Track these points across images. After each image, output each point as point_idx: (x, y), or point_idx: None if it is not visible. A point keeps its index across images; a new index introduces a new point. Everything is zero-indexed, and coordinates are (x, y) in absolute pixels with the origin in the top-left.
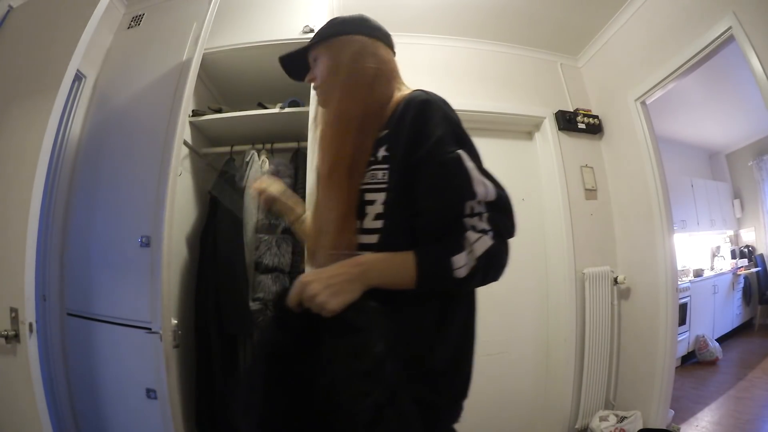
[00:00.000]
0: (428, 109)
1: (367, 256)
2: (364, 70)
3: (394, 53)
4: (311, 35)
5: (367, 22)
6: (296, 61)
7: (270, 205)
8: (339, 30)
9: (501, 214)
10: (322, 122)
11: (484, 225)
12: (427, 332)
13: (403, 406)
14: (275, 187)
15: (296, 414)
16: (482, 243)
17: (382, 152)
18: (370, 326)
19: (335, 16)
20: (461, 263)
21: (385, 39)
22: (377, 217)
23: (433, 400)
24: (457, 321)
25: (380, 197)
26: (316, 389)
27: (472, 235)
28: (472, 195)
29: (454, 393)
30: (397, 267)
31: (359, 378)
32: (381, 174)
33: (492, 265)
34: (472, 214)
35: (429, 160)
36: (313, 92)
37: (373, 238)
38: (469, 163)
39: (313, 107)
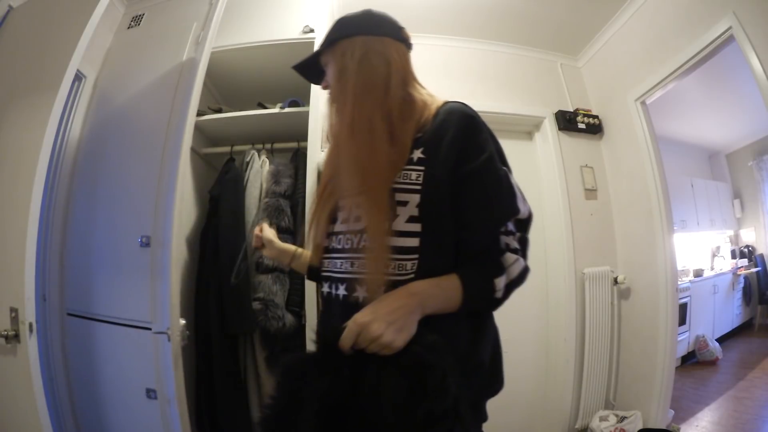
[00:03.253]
0: (476, 125)
1: (419, 285)
2: (370, 73)
3: (407, 46)
4: (311, 35)
5: (372, 18)
6: (312, 67)
7: (264, 245)
8: (343, 32)
9: (527, 233)
10: (338, 134)
11: (516, 245)
12: (464, 350)
13: None
14: (268, 231)
15: None
16: (517, 266)
17: (417, 154)
18: (441, 363)
19: (335, 16)
20: (501, 286)
21: (394, 33)
22: (411, 219)
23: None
24: (488, 333)
25: (414, 199)
26: None
27: (509, 257)
28: (516, 211)
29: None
30: (447, 293)
31: (440, 417)
32: (415, 175)
33: (517, 285)
34: (507, 232)
35: (482, 173)
36: (313, 93)
37: (413, 242)
38: (515, 181)
39: (313, 110)
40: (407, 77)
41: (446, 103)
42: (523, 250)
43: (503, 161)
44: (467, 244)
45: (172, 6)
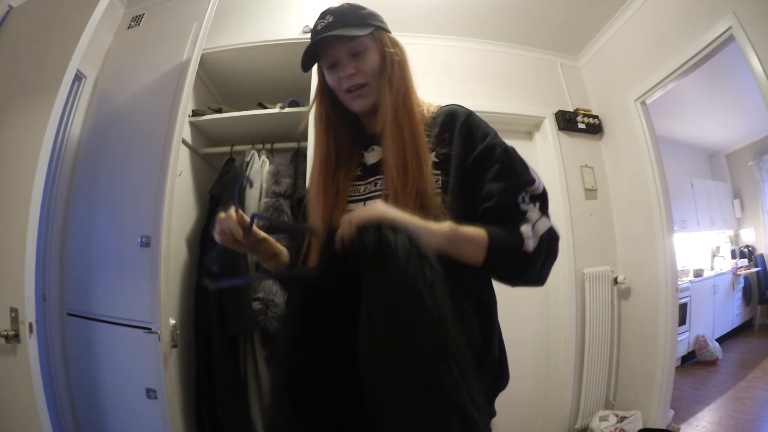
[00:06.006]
0: (475, 119)
1: (437, 228)
2: (409, 72)
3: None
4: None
5: (378, 16)
6: (325, 46)
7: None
8: (381, 23)
9: (547, 207)
10: (397, 122)
11: (537, 213)
12: (478, 344)
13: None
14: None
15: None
16: (543, 223)
17: (433, 158)
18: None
19: None
20: (529, 234)
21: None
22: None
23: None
24: (496, 329)
25: (440, 199)
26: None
27: (533, 215)
28: (531, 180)
29: (495, 392)
30: (470, 236)
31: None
32: (434, 179)
33: (552, 249)
34: (526, 201)
35: (491, 150)
36: (313, 93)
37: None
38: (521, 154)
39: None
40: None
41: (442, 107)
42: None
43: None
44: (487, 213)
45: (171, 6)
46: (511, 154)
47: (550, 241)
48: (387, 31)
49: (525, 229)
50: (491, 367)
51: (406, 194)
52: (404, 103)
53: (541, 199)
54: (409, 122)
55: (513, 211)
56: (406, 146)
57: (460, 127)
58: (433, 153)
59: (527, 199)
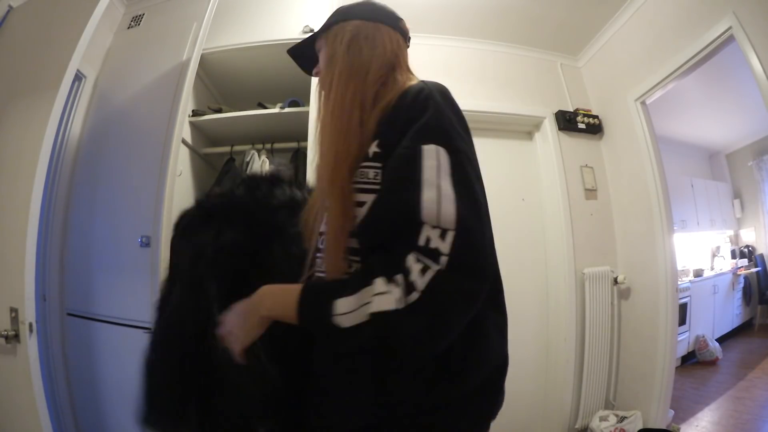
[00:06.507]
0: (420, 99)
1: (264, 290)
2: (357, 56)
3: (403, 36)
4: (311, 35)
5: (370, 5)
6: (306, 54)
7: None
8: (338, 17)
9: (456, 259)
10: (320, 120)
11: (418, 266)
12: (455, 372)
13: None
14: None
15: None
16: (385, 300)
17: (373, 148)
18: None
19: None
20: (345, 309)
21: (389, 20)
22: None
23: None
24: (486, 354)
25: (370, 199)
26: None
27: (378, 285)
28: (411, 209)
29: (482, 415)
30: (288, 298)
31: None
32: (372, 173)
33: (397, 338)
34: (417, 246)
35: (398, 155)
36: (313, 93)
37: (357, 243)
38: (428, 161)
39: (313, 110)
40: (396, 63)
41: (411, 83)
42: (434, 286)
43: (445, 138)
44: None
45: (171, 6)
46: (408, 164)
47: (392, 326)
48: (345, 20)
49: (342, 303)
50: (471, 400)
51: (331, 192)
52: (332, 112)
53: (430, 255)
54: (343, 115)
55: (386, 252)
56: (327, 138)
57: (404, 112)
58: (376, 142)
59: (428, 238)
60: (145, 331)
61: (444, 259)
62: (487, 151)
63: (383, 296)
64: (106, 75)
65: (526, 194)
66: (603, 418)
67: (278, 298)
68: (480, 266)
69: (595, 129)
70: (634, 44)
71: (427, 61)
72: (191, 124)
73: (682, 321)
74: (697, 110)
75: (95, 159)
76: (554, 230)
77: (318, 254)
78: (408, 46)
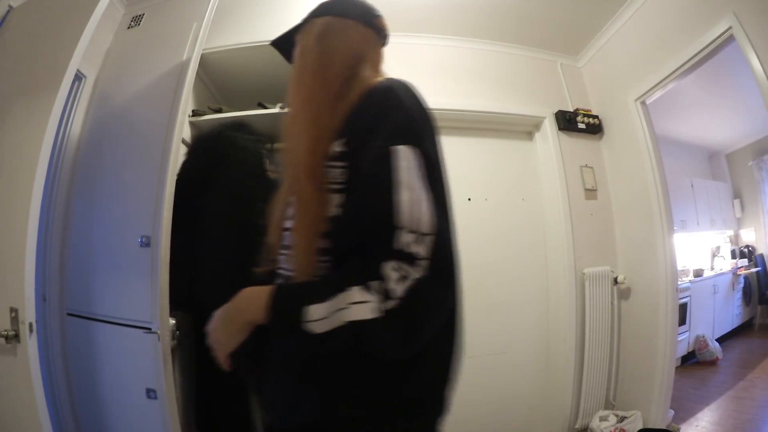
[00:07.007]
0: (387, 98)
1: (243, 293)
2: (323, 53)
3: (378, 34)
4: (291, 29)
5: (347, 1)
6: (289, 47)
7: None
8: (315, 13)
9: (430, 261)
10: (287, 119)
11: (396, 275)
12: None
13: None
14: None
15: None
16: (363, 309)
17: (338, 147)
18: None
19: None
20: (318, 316)
21: (362, 17)
22: (330, 220)
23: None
24: (427, 364)
25: (336, 198)
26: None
27: (354, 293)
28: (387, 216)
29: (430, 419)
30: (260, 309)
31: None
32: (338, 172)
33: (371, 345)
34: (397, 253)
35: (371, 157)
36: None
37: (327, 243)
38: (402, 162)
39: None
40: (361, 60)
41: (377, 81)
42: (411, 295)
43: (413, 137)
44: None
45: (171, 6)
46: (382, 166)
47: (364, 332)
48: (319, 15)
49: (315, 310)
50: (408, 411)
51: (297, 190)
52: (300, 106)
53: (408, 260)
54: (307, 110)
55: (361, 260)
56: (291, 134)
57: (370, 111)
58: (341, 140)
59: (407, 245)
60: (145, 331)
61: (422, 264)
62: (487, 151)
63: (361, 305)
64: (106, 75)
65: (526, 194)
66: (603, 418)
67: (254, 303)
68: (451, 272)
69: (595, 129)
70: (634, 44)
71: (427, 61)
72: (191, 124)
73: (682, 321)
74: (697, 110)
75: (95, 159)
76: (554, 230)
77: (282, 251)
78: (384, 44)
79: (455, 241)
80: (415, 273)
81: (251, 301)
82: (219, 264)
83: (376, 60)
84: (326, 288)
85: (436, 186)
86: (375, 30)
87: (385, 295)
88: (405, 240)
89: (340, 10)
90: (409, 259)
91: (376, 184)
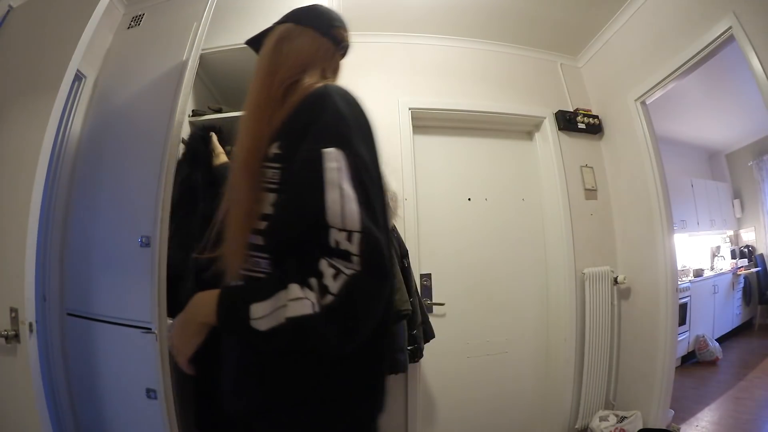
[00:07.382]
0: (320, 102)
1: (197, 297)
2: (273, 59)
3: (336, 44)
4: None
5: (310, 10)
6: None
7: None
8: (281, 19)
9: (363, 260)
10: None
11: (328, 270)
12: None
13: None
14: None
15: None
16: (301, 305)
17: (274, 149)
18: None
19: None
20: (261, 314)
21: (320, 26)
22: (264, 217)
23: None
24: (350, 372)
25: (270, 198)
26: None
27: (293, 290)
28: (319, 212)
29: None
30: (207, 308)
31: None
32: (271, 173)
33: (313, 340)
34: (319, 242)
35: (302, 159)
36: None
37: (260, 240)
38: (331, 164)
39: None
40: (309, 67)
41: (316, 86)
42: (346, 291)
43: (343, 141)
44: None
45: (171, 6)
46: (310, 165)
47: (305, 330)
48: (283, 22)
49: (257, 307)
50: (346, 385)
51: (232, 188)
52: (248, 107)
53: (342, 256)
54: (251, 113)
55: (300, 258)
56: (239, 135)
57: (303, 115)
58: (276, 144)
59: (339, 240)
60: (145, 331)
61: (355, 260)
62: (487, 151)
63: (298, 302)
64: (106, 75)
65: (526, 194)
66: (603, 418)
67: (206, 306)
68: (384, 266)
69: (595, 129)
70: (634, 44)
71: (427, 61)
72: (191, 124)
73: (682, 321)
74: (697, 110)
75: (95, 159)
76: (554, 230)
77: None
78: (343, 54)
79: (390, 239)
80: (349, 269)
81: (203, 305)
82: (182, 254)
83: (330, 68)
84: (267, 286)
85: (369, 186)
86: (332, 39)
87: (322, 291)
88: (336, 238)
89: (301, 18)
90: (343, 255)
91: (307, 184)
